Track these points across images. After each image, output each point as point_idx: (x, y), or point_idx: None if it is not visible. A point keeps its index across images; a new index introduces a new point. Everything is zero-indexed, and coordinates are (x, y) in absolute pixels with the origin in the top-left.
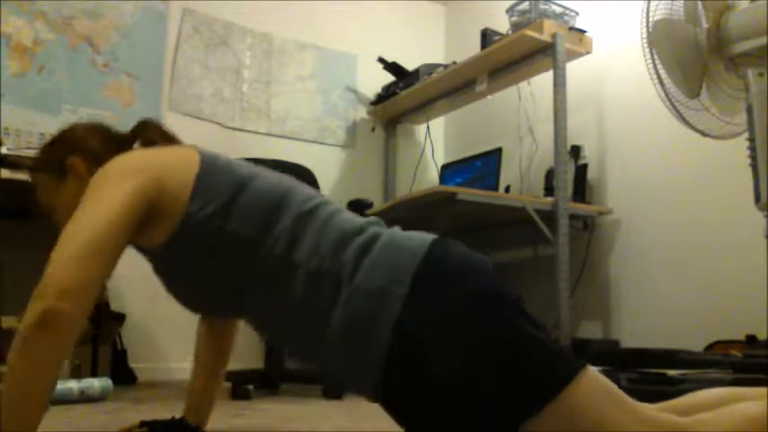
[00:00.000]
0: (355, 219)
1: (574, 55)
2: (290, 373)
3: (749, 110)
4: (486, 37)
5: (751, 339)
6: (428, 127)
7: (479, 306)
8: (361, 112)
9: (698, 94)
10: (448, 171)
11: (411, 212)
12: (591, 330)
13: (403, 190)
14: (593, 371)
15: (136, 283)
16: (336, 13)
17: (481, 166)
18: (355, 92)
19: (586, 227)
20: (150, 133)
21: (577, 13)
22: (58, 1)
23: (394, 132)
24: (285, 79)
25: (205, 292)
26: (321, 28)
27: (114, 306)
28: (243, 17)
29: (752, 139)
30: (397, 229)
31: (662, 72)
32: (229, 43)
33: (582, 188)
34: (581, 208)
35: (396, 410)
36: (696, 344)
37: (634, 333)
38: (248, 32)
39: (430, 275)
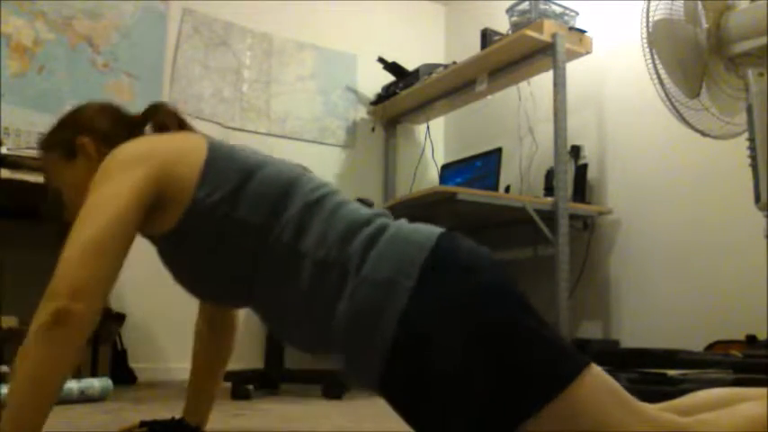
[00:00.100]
0: (363, 210)
1: (574, 55)
2: (290, 373)
3: (749, 110)
4: (486, 37)
5: (751, 339)
6: (428, 127)
7: (485, 301)
8: (361, 112)
9: (698, 94)
10: (448, 171)
11: (411, 212)
12: (591, 330)
13: (403, 190)
14: (597, 369)
15: (136, 283)
16: (336, 13)
17: (481, 166)
18: (355, 92)
19: (586, 227)
20: (162, 117)
21: (577, 13)
22: (57, 1)
23: (394, 132)
24: (285, 79)
25: (212, 279)
26: (321, 28)
27: (114, 306)
28: (243, 17)
29: (752, 139)
30: (404, 222)
31: (662, 72)
32: (229, 43)
33: (582, 188)
34: (581, 208)
35: (399, 404)
36: (696, 344)
37: (634, 333)
38: (248, 32)
39: (437, 268)
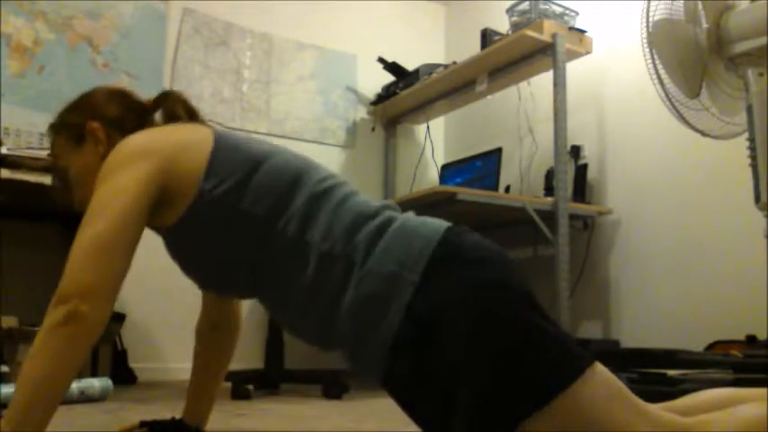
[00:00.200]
0: (370, 202)
1: (574, 55)
2: (290, 373)
3: (749, 110)
4: (486, 37)
5: (751, 339)
6: (428, 127)
7: (491, 296)
8: (361, 112)
9: (698, 94)
10: (448, 171)
11: None
12: (591, 330)
13: (403, 190)
14: (601, 367)
15: (136, 283)
16: (336, 13)
17: (481, 166)
18: (355, 92)
19: (586, 227)
20: (172, 105)
21: (577, 13)
22: (57, 1)
23: (394, 132)
24: (285, 79)
25: (218, 270)
26: (321, 28)
27: (114, 306)
28: (243, 17)
29: (752, 139)
30: (411, 215)
31: (662, 72)
32: (229, 43)
33: (582, 188)
34: (581, 208)
35: (401, 396)
36: (696, 344)
37: (634, 333)
38: (248, 32)
39: (443, 263)
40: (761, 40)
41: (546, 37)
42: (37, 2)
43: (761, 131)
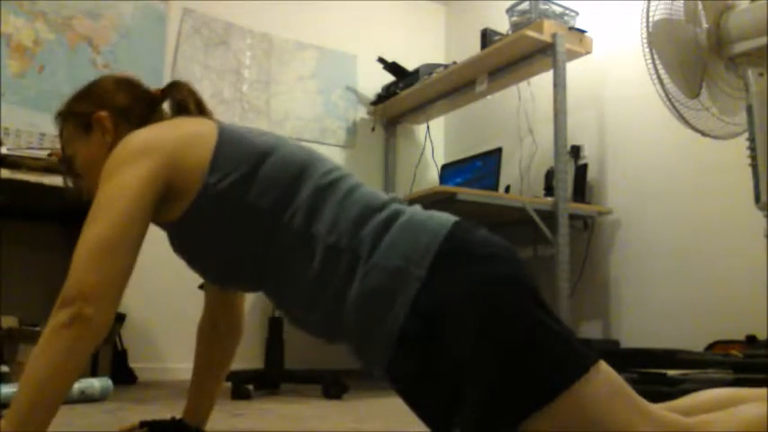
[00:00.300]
0: (377, 194)
1: (574, 55)
2: (290, 373)
3: (749, 110)
4: (486, 37)
5: (751, 339)
6: (428, 127)
7: (497, 291)
8: (361, 112)
9: (698, 94)
10: (448, 171)
11: None
12: (591, 330)
13: (403, 190)
14: (605, 366)
15: (136, 283)
16: (336, 13)
17: (481, 166)
18: (355, 92)
19: (586, 227)
20: (180, 95)
21: (577, 13)
22: (57, 1)
23: (394, 132)
24: (285, 79)
25: (223, 263)
26: (321, 28)
27: None
28: (243, 17)
29: (752, 139)
30: (418, 208)
31: (662, 72)
32: (229, 43)
33: (582, 188)
34: (581, 208)
35: (405, 390)
36: (696, 344)
37: (634, 333)
38: (248, 32)
39: (450, 257)
40: (761, 40)
41: (546, 37)
42: (37, 2)
43: (761, 131)
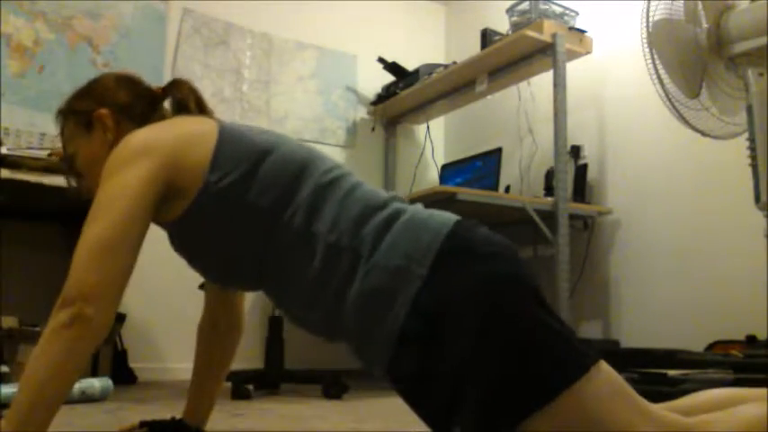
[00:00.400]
0: (378, 192)
1: (574, 55)
2: (290, 373)
3: (749, 110)
4: (486, 37)
5: (751, 339)
6: (428, 127)
7: (499, 290)
8: (361, 112)
9: (698, 94)
10: (448, 171)
11: None
12: (591, 330)
13: (403, 190)
14: (606, 366)
15: (136, 283)
16: (336, 13)
17: (481, 166)
18: (355, 92)
19: (586, 227)
20: (181, 93)
21: (577, 13)
22: (57, 1)
23: (394, 132)
24: (285, 79)
25: (223, 262)
26: (321, 28)
27: None
28: (243, 17)
29: (752, 139)
30: (419, 207)
31: (662, 72)
32: (229, 43)
33: (582, 188)
34: (581, 208)
35: (406, 390)
36: (696, 344)
37: (634, 333)
38: (248, 32)
39: (452, 257)
40: (761, 40)
41: (546, 37)
42: (37, 2)
43: (761, 131)
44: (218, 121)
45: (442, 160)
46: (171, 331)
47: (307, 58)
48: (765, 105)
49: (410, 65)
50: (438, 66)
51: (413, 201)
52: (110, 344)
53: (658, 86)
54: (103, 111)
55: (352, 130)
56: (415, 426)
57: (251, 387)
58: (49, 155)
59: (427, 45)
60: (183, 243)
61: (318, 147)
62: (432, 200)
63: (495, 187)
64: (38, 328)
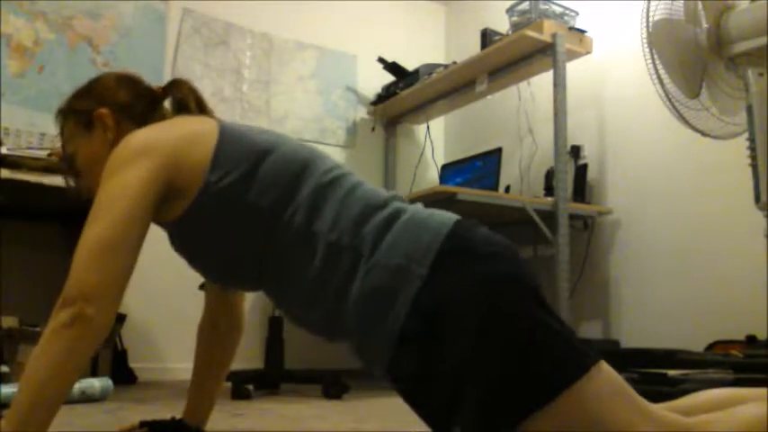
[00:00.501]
0: (378, 191)
1: (574, 55)
2: (290, 373)
3: (749, 110)
4: (486, 37)
5: (751, 339)
6: (428, 127)
7: (499, 290)
8: (361, 112)
9: (698, 94)
10: (448, 171)
11: None
12: (591, 330)
13: (403, 190)
14: (606, 366)
15: (136, 283)
16: (336, 13)
17: (481, 166)
18: (355, 92)
19: (586, 227)
20: (181, 93)
21: (577, 13)
22: (57, 1)
23: (394, 132)
24: (285, 79)
25: (223, 261)
26: (321, 28)
27: None
28: (243, 17)
29: (752, 139)
30: (420, 206)
31: (662, 72)
32: (229, 43)
33: (582, 188)
34: (581, 208)
35: (406, 389)
36: (696, 344)
37: (634, 333)
38: (248, 32)
39: (452, 256)
40: (761, 40)
41: (546, 37)
42: (37, 2)
43: (761, 131)
44: (219, 121)
45: (441, 160)
46: (171, 331)
47: (307, 58)
48: (765, 105)
49: (410, 65)
50: (438, 66)
51: (413, 201)
52: (110, 344)
53: (658, 86)
54: (104, 110)
55: (352, 130)
56: (415, 426)
57: (251, 387)
58: (49, 155)
59: (427, 45)
60: (184, 243)
61: (318, 147)
62: (432, 200)
63: (495, 187)
64: (38, 328)
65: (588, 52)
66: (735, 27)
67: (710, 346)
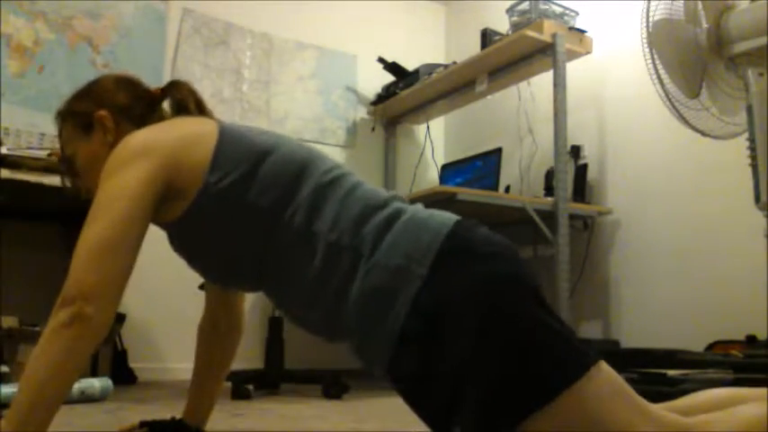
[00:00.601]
0: (378, 191)
1: (574, 55)
2: (290, 373)
3: (749, 110)
4: (486, 37)
5: (751, 339)
6: (428, 127)
7: (499, 290)
8: (361, 112)
9: (698, 94)
10: (448, 171)
11: None
12: (591, 330)
13: (403, 190)
14: (606, 366)
15: (136, 283)
16: (336, 13)
17: (481, 166)
18: (355, 92)
19: (586, 227)
20: (180, 95)
21: (577, 13)
22: (57, 1)
23: (394, 132)
24: (285, 79)
25: (223, 262)
26: (321, 28)
27: None
28: (243, 17)
29: (752, 140)
30: (420, 206)
31: (662, 72)
32: (229, 43)
33: (582, 188)
34: (581, 208)
35: (406, 389)
36: (696, 344)
37: (634, 333)
38: (248, 32)
39: (452, 256)
40: (761, 40)
41: (546, 37)
42: (37, 2)
43: (761, 131)
44: (218, 122)
45: (441, 160)
46: (171, 331)
47: (307, 58)
48: (765, 105)
49: (410, 65)
50: (438, 66)
51: (413, 201)
52: (110, 344)
53: (658, 86)
54: (103, 112)
55: (352, 130)
56: (415, 426)
57: (251, 387)
58: (49, 155)
59: (427, 45)
60: (183, 243)
61: (318, 147)
62: (432, 200)
63: (495, 187)
64: (38, 328)
65: (588, 52)
66: (735, 27)
67: (710, 346)
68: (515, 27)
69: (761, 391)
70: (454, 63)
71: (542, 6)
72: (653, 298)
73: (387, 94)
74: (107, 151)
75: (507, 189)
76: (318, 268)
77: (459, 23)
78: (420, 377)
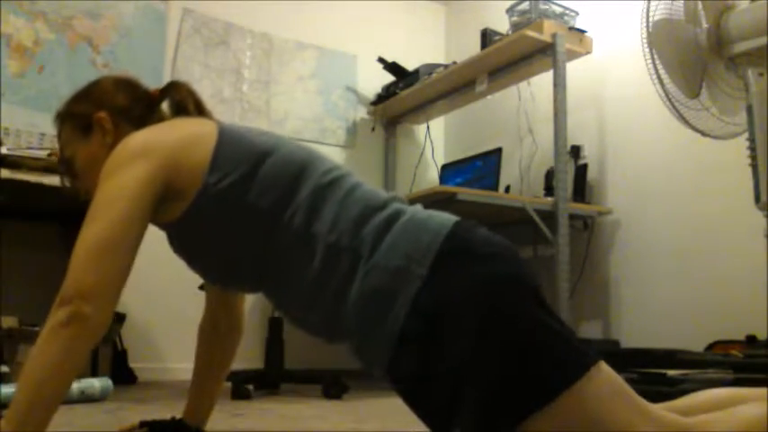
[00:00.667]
0: (377, 193)
1: (574, 55)
2: (290, 373)
3: (749, 110)
4: (486, 37)
5: (751, 339)
6: (428, 127)
7: (499, 291)
8: (361, 112)
9: (698, 94)
10: (448, 171)
11: None
12: (591, 330)
13: (403, 190)
14: (606, 366)
15: (136, 283)
16: (336, 13)
17: (481, 166)
18: (355, 92)
19: (586, 227)
20: (179, 96)
21: (577, 13)
22: (57, 1)
23: (394, 132)
24: (285, 79)
25: (223, 263)
26: (321, 28)
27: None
28: (243, 17)
29: (752, 140)
30: (419, 207)
31: (662, 72)
32: (229, 43)
33: (582, 188)
34: (581, 208)
35: (406, 390)
36: (696, 344)
37: (634, 333)
38: (248, 32)
39: (451, 257)
40: (761, 40)
41: (546, 37)
42: (37, 2)
43: (761, 131)
44: (218, 123)
45: (441, 160)
46: (171, 331)
47: (307, 58)
48: (765, 105)
49: (410, 65)
50: (438, 66)
51: (413, 201)
52: (109, 344)
53: (658, 86)
54: (102, 114)
55: (352, 130)
56: (415, 426)
57: (251, 387)
58: (49, 155)
59: (427, 45)
60: (183, 244)
61: (318, 147)
62: (432, 200)
63: (495, 187)
64: (38, 328)
65: (588, 52)
66: (735, 27)
67: (710, 346)
68: (515, 27)
69: (761, 391)
70: (454, 63)
71: (542, 6)
72: (653, 298)
73: (387, 94)
74: (106, 152)
75: (507, 189)
76: (318, 270)
77: (459, 23)
78: (420, 378)
